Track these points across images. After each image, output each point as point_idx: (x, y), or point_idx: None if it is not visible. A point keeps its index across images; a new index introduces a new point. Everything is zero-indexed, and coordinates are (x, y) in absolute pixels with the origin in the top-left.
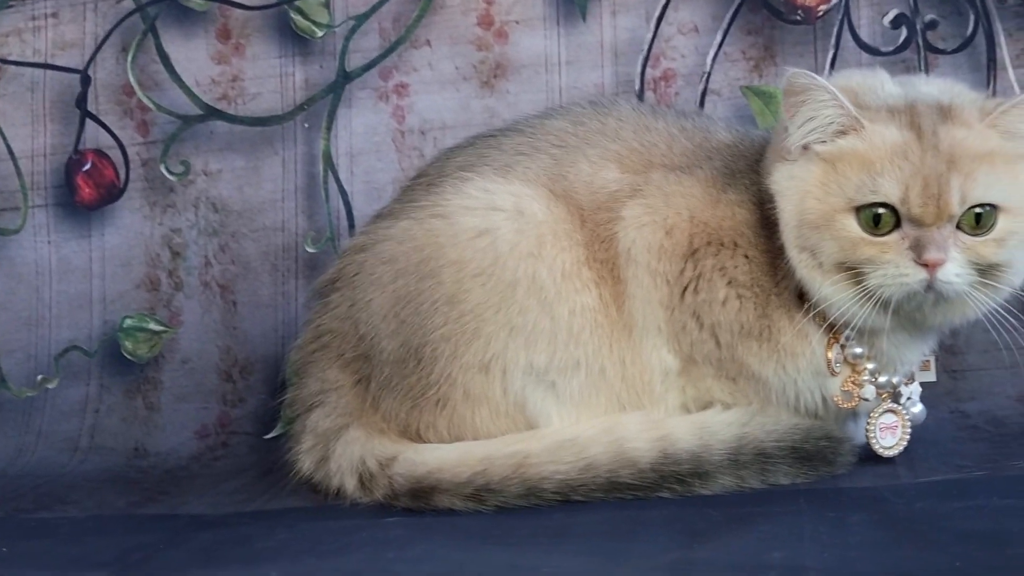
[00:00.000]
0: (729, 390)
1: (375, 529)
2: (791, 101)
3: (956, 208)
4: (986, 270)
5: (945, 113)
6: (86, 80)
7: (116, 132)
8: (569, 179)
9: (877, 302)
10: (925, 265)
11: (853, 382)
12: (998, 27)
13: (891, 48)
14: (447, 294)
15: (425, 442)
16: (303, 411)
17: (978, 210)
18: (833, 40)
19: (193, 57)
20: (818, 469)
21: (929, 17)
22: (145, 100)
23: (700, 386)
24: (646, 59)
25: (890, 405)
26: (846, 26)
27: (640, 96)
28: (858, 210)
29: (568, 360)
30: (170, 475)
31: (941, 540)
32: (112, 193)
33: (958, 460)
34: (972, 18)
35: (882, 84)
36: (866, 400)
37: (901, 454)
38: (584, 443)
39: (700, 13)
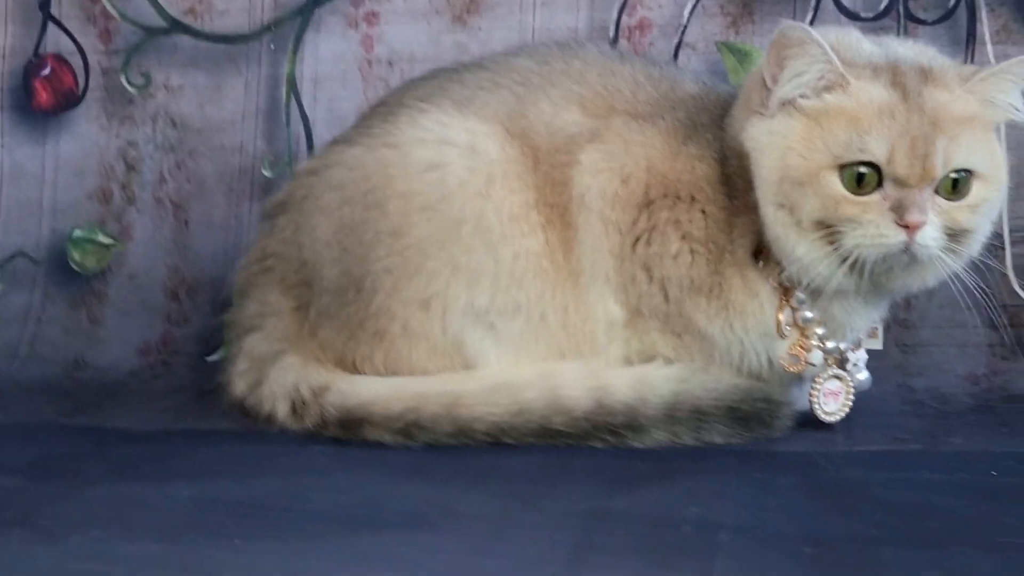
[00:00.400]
0: (673, 345)
1: (298, 456)
2: (782, 54)
3: (939, 170)
4: (955, 235)
5: (927, 75)
6: None
7: (78, 38)
8: (529, 118)
9: (852, 263)
10: (906, 227)
11: (801, 346)
12: (980, 1)
13: (872, 14)
14: (392, 226)
15: (360, 374)
16: (241, 333)
17: (956, 175)
18: (813, 2)
19: None
20: (754, 431)
21: None
22: (110, 8)
23: (645, 339)
24: (622, 6)
25: (836, 371)
26: None
27: (613, 44)
28: (842, 168)
29: (509, 303)
30: (106, 389)
31: (863, 509)
32: (70, 100)
33: (897, 432)
34: None
35: (859, 42)
36: (813, 365)
37: (841, 422)
38: (519, 387)
39: None
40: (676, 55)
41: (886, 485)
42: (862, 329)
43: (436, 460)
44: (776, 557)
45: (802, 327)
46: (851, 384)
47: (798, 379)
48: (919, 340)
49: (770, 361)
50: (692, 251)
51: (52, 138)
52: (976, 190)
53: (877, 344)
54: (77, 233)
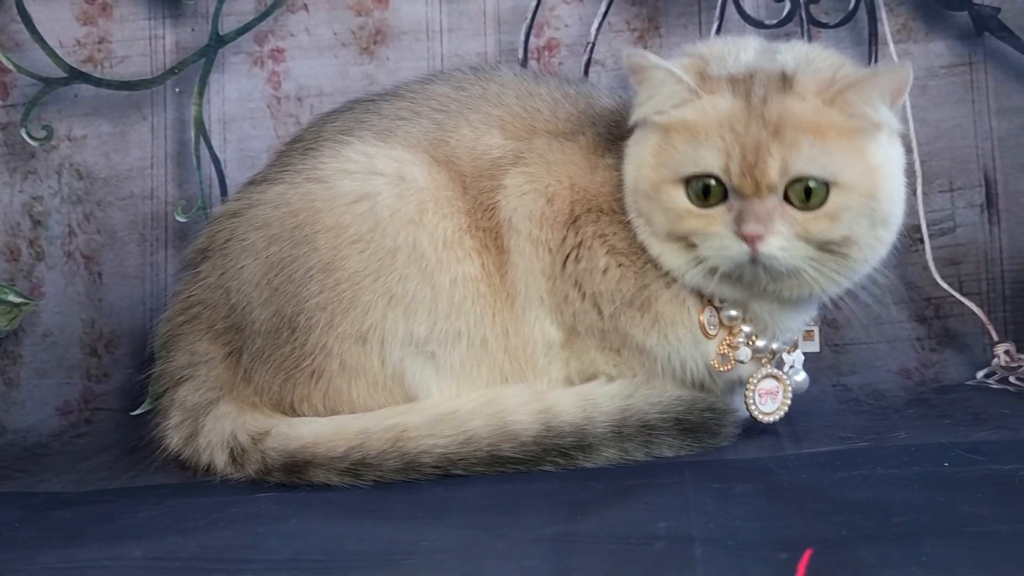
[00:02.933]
0: (614, 362)
1: (246, 504)
2: (633, 79)
3: (775, 179)
4: (826, 246)
5: (785, 83)
6: None
7: None
8: (451, 145)
9: (709, 270)
10: (746, 238)
11: (728, 344)
12: (879, 2)
13: (775, 21)
14: (323, 261)
15: (300, 416)
16: (171, 385)
17: (807, 183)
18: (717, 12)
19: (57, 17)
20: (702, 441)
21: None
22: (5, 61)
23: (584, 358)
24: (529, 28)
25: (771, 371)
26: None
27: (523, 65)
28: (687, 181)
29: (449, 331)
30: (29, 453)
31: (826, 510)
32: None
33: (840, 432)
34: None
35: (738, 53)
36: (741, 363)
37: (785, 426)
38: (465, 416)
39: None
40: (586, 73)
41: (843, 484)
42: (792, 330)
43: (387, 498)
44: (754, 565)
45: (728, 326)
46: (788, 384)
47: (740, 385)
48: (849, 339)
49: (708, 369)
50: (619, 264)
51: None
52: (835, 199)
53: (814, 347)
54: None
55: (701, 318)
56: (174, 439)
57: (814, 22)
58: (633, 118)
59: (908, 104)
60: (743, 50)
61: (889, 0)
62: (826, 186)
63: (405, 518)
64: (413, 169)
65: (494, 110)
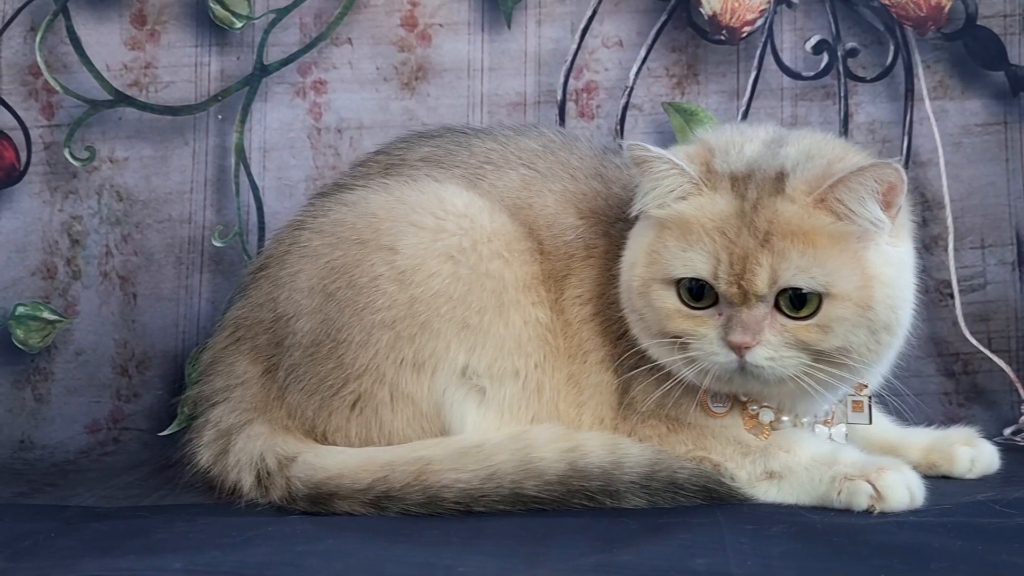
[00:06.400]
0: (668, 439)
1: (280, 524)
2: (634, 172)
3: (763, 289)
4: (819, 355)
5: (779, 182)
6: None
7: (19, 113)
8: (534, 210)
9: (701, 371)
10: (734, 347)
11: (751, 418)
12: (916, 58)
13: (812, 73)
14: (399, 270)
15: (331, 444)
16: (207, 407)
17: (796, 292)
18: (756, 62)
19: (105, 41)
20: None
21: (850, 45)
22: (52, 82)
23: (636, 432)
24: (569, 70)
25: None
26: (769, 49)
27: (562, 107)
28: (678, 280)
29: (508, 368)
30: (57, 468)
31: (861, 552)
32: (11, 176)
33: None
34: (892, 48)
35: (743, 145)
36: (771, 425)
37: None
38: (490, 450)
39: (625, 28)
40: (623, 116)
41: (878, 529)
42: (815, 412)
43: (416, 524)
44: None
45: (743, 402)
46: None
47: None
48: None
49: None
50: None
51: None
52: (828, 309)
53: (863, 418)
54: (20, 310)
55: (704, 397)
56: (204, 456)
57: (851, 76)
58: (635, 209)
59: (942, 161)
60: (749, 141)
61: (926, 57)
62: (819, 295)
63: (438, 544)
64: (501, 215)
65: (571, 185)
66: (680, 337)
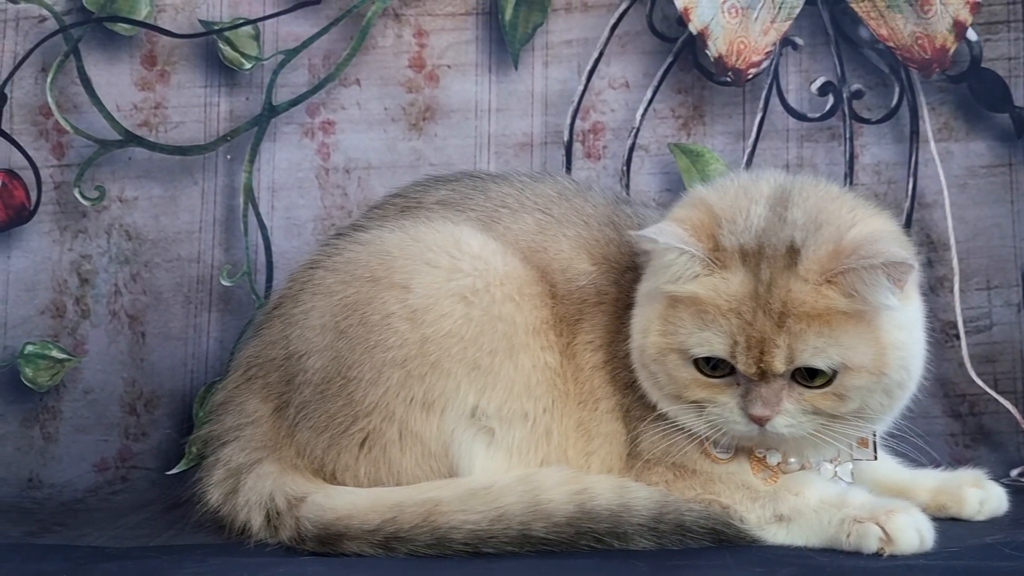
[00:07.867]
0: (675, 484)
1: (290, 565)
2: (642, 257)
3: (781, 368)
4: (836, 417)
5: (791, 258)
6: (2, 98)
7: (30, 153)
8: (549, 254)
9: (720, 433)
10: (753, 419)
11: (758, 461)
12: (921, 100)
13: (818, 114)
14: (412, 308)
15: (339, 483)
16: (217, 447)
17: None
18: (761, 103)
19: (115, 82)
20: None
21: (855, 87)
22: (63, 122)
23: (644, 477)
24: (576, 111)
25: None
26: (775, 90)
27: (568, 148)
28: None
29: (517, 410)
30: (66, 508)
31: None
32: (21, 215)
33: None
34: (897, 90)
35: (748, 210)
36: (779, 467)
37: None
38: (498, 492)
39: (631, 69)
40: (629, 157)
41: (886, 571)
42: (822, 456)
43: (429, 565)
44: None
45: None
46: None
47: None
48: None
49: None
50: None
51: (2, 253)
52: (843, 380)
53: (868, 454)
54: (29, 348)
55: (707, 445)
56: (214, 495)
57: (856, 117)
58: (645, 288)
59: (947, 202)
60: (754, 203)
61: (931, 99)
62: (834, 370)
63: None
64: (514, 259)
65: (584, 231)
66: (698, 402)
